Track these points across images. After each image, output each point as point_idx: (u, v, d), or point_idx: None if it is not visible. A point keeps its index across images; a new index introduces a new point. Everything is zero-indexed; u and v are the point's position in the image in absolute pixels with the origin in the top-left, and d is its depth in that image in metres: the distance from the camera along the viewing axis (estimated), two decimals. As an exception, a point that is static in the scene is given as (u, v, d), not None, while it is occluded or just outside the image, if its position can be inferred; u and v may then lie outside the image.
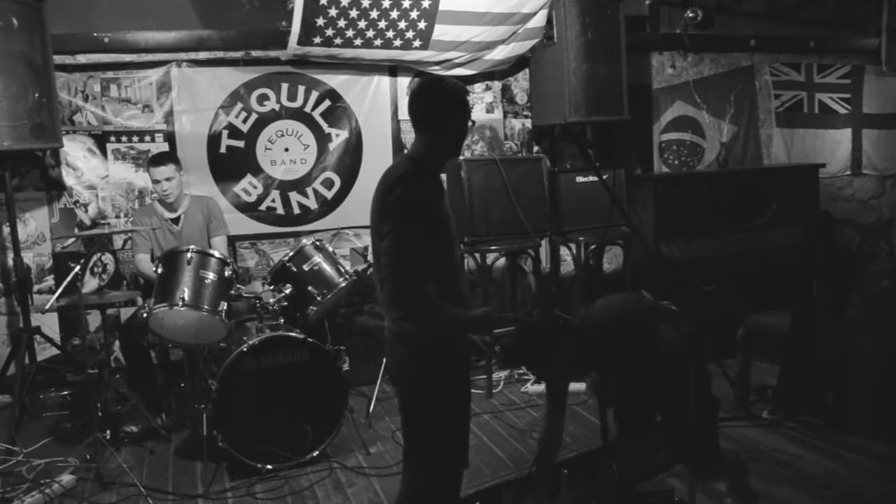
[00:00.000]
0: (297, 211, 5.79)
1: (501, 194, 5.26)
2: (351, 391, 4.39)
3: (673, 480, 3.73)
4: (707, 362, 3.81)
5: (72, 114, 5.28)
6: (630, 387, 3.41)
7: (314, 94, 5.73)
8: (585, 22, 5.62)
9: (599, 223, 5.37)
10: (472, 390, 5.14)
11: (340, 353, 4.41)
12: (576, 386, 5.13)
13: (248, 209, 5.67)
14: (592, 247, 6.04)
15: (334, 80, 5.77)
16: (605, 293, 5.92)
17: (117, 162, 5.40)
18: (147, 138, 5.42)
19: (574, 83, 5.60)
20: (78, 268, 4.13)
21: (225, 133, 5.57)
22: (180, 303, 4.05)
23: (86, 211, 5.37)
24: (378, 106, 5.88)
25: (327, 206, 5.83)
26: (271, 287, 4.43)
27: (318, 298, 4.39)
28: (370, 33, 5.39)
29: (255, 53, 5.56)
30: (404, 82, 5.91)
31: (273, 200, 5.73)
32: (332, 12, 5.21)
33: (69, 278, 4.16)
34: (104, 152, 5.37)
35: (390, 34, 5.44)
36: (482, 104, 6.19)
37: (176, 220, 4.96)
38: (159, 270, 4.23)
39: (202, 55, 5.48)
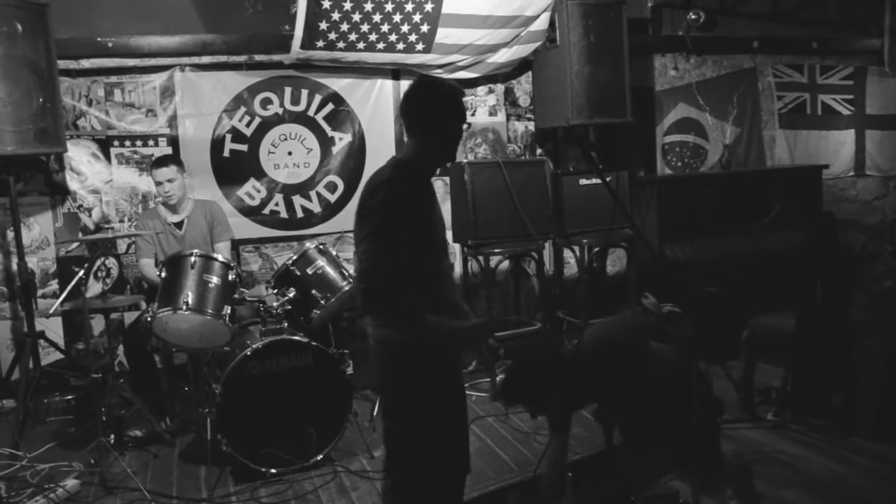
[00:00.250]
0: (300, 215, 5.79)
1: (505, 197, 5.26)
2: (355, 395, 4.38)
3: (677, 483, 3.73)
4: (708, 366, 3.81)
5: (76, 118, 5.29)
6: (630, 409, 3.40)
7: (317, 98, 5.74)
8: (588, 24, 5.62)
9: (603, 225, 5.36)
10: (476, 393, 5.19)
11: (344, 357, 4.40)
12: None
13: (251, 213, 5.68)
14: (596, 249, 6.04)
15: (337, 84, 5.78)
16: (609, 295, 5.97)
17: (121, 166, 5.41)
18: (151, 142, 5.44)
19: (577, 86, 5.60)
20: (82, 272, 4.14)
21: (228, 137, 5.58)
22: (184, 307, 4.05)
23: (89, 215, 5.37)
24: (381, 109, 5.88)
25: (331, 210, 5.83)
26: (275, 291, 4.43)
27: (322, 302, 4.39)
28: (373, 37, 5.40)
29: (258, 57, 5.57)
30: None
31: (276, 204, 5.73)
32: (335, 16, 5.22)
33: (73, 283, 4.18)
34: (108, 157, 5.38)
35: (393, 38, 5.44)
36: (485, 107, 6.20)
37: (179, 225, 4.97)
38: (163, 275, 4.23)
39: (205, 59, 5.49)
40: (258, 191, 5.68)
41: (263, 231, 5.72)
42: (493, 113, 6.23)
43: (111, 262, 5.44)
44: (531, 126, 6.31)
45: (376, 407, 4.83)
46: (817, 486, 3.76)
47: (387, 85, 5.88)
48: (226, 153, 5.58)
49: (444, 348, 2.63)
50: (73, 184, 5.33)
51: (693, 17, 6.58)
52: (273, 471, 4.01)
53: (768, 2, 7.05)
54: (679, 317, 3.48)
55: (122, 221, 5.42)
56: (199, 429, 4.45)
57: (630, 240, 5.68)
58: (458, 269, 6.08)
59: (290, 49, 5.33)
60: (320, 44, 5.30)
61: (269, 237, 5.75)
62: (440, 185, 6.02)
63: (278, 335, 4.12)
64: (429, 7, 5.39)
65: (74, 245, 5.33)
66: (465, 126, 2.72)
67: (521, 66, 6.14)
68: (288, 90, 5.67)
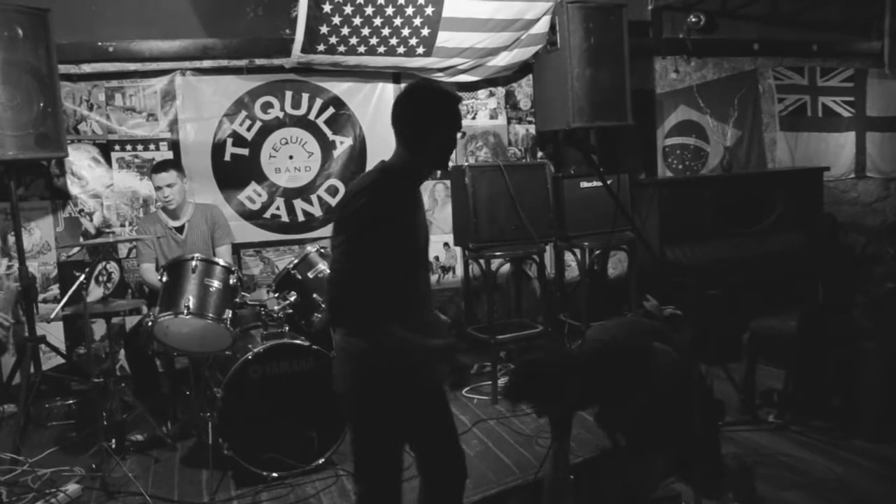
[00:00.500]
0: (301, 218, 5.80)
1: (506, 200, 5.27)
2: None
3: (679, 485, 3.72)
4: (710, 368, 3.80)
5: (76, 123, 5.30)
6: (633, 413, 3.39)
7: (318, 102, 5.74)
8: (588, 27, 5.63)
9: (604, 228, 5.37)
10: (478, 396, 5.19)
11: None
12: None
13: (252, 217, 5.68)
14: (597, 252, 6.04)
15: (338, 88, 5.78)
16: (610, 298, 5.97)
17: (122, 171, 5.41)
18: (152, 147, 5.44)
19: (577, 89, 5.60)
20: (83, 276, 4.13)
21: (229, 141, 5.58)
22: (185, 311, 4.06)
23: (91, 220, 5.38)
24: (382, 113, 5.88)
25: (332, 214, 5.83)
26: (276, 295, 4.43)
27: (323, 306, 4.39)
28: (374, 40, 5.40)
29: (258, 61, 5.57)
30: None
31: (277, 208, 5.74)
32: (336, 20, 5.23)
33: (74, 287, 4.17)
34: (109, 161, 5.39)
35: (394, 41, 5.45)
36: (486, 110, 6.20)
37: (180, 229, 4.97)
38: (164, 279, 4.24)
39: (206, 64, 5.50)
40: (259, 195, 5.69)
41: (265, 235, 5.73)
42: (493, 116, 6.23)
43: (112, 266, 5.44)
44: (532, 129, 6.32)
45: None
46: (819, 488, 3.75)
47: (388, 88, 5.88)
48: (227, 157, 5.59)
49: (407, 362, 2.54)
50: (74, 188, 5.33)
51: (693, 19, 6.59)
52: (275, 474, 4.01)
53: (768, 4, 7.06)
54: (680, 319, 3.47)
55: (123, 226, 5.42)
56: (201, 433, 4.46)
57: (631, 242, 5.68)
58: (459, 272, 6.10)
59: (291, 53, 5.33)
60: (321, 48, 5.31)
61: (270, 241, 5.75)
62: (441, 189, 6.03)
63: (279, 339, 4.12)
64: (429, 11, 5.40)
65: (75, 249, 5.33)
66: (459, 135, 2.60)
67: (521, 70, 6.14)
68: (289, 94, 5.68)
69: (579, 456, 4.16)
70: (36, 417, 5.01)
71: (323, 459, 4.12)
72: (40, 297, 5.28)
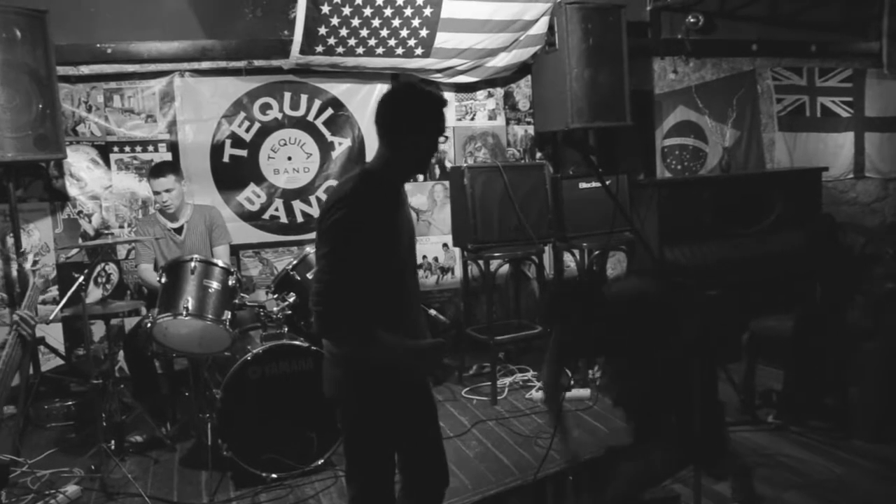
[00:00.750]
0: (300, 219, 5.79)
1: (504, 201, 5.27)
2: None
3: (678, 486, 3.72)
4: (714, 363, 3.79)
5: (75, 124, 5.29)
6: (648, 371, 3.36)
7: (317, 103, 5.74)
8: (587, 28, 5.63)
9: (603, 229, 5.37)
10: (477, 397, 5.18)
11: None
12: (579, 392, 5.13)
13: (251, 218, 5.68)
14: (596, 253, 6.03)
15: (337, 89, 5.78)
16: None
17: (121, 172, 5.41)
18: (150, 148, 5.44)
19: (576, 89, 5.61)
20: (82, 278, 4.13)
21: (228, 142, 5.58)
22: (184, 312, 4.06)
23: (89, 221, 5.37)
24: (381, 114, 5.87)
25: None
26: (275, 296, 4.43)
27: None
28: (372, 41, 5.40)
29: (257, 63, 5.57)
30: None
31: (276, 209, 5.74)
32: (335, 21, 5.23)
33: (73, 288, 4.16)
34: (107, 162, 5.38)
35: (392, 42, 5.45)
36: (484, 111, 6.20)
37: (179, 230, 4.97)
38: (163, 280, 4.24)
39: (205, 65, 5.49)
40: (258, 196, 5.69)
41: (263, 236, 5.73)
42: (492, 117, 6.23)
43: (111, 267, 5.44)
44: (531, 130, 6.32)
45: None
46: (818, 488, 3.76)
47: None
48: (225, 158, 5.59)
49: (396, 366, 2.53)
50: (72, 190, 5.33)
51: (692, 20, 6.59)
52: (274, 475, 4.01)
53: (767, 5, 7.06)
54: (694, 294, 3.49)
55: (121, 227, 5.42)
56: (200, 434, 4.46)
57: (630, 243, 5.68)
58: (458, 273, 6.10)
59: (290, 54, 5.33)
60: (319, 49, 5.31)
61: (269, 242, 5.75)
62: (440, 189, 6.03)
63: (278, 340, 4.12)
64: (427, 12, 5.40)
65: (74, 251, 5.33)
66: (442, 138, 2.59)
67: (520, 70, 6.15)
68: (287, 95, 5.68)
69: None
70: (35, 419, 5.01)
71: (322, 460, 4.12)
72: (39, 298, 5.27)
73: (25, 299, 3.87)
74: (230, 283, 4.30)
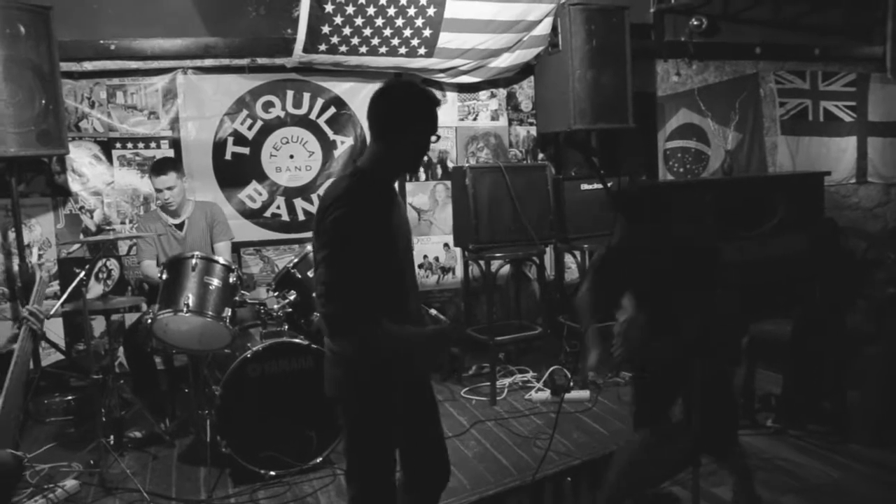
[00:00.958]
0: (301, 217, 5.80)
1: (506, 201, 5.27)
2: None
3: (677, 489, 3.72)
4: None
5: (78, 120, 5.30)
6: (676, 340, 3.28)
7: (319, 102, 5.75)
8: (590, 30, 5.63)
9: (604, 231, 5.36)
10: (476, 397, 5.18)
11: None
12: (579, 394, 5.13)
13: (252, 216, 5.69)
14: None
15: (339, 88, 5.79)
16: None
17: (123, 168, 5.42)
18: (153, 145, 5.44)
19: (579, 91, 5.61)
20: (83, 273, 4.14)
21: (230, 140, 5.59)
22: (185, 309, 4.06)
23: (91, 217, 5.38)
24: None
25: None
26: (276, 293, 4.43)
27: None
28: (375, 41, 5.41)
29: (260, 61, 5.58)
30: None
31: (278, 207, 5.74)
32: (338, 20, 5.24)
33: (74, 284, 4.16)
34: (110, 159, 5.39)
35: (395, 42, 5.45)
36: (487, 111, 6.20)
37: (180, 226, 4.98)
38: (164, 276, 4.24)
39: (208, 62, 5.50)
40: (260, 193, 5.69)
41: (264, 234, 5.73)
42: (495, 117, 6.24)
43: (112, 263, 5.45)
44: (533, 131, 6.32)
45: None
46: (815, 492, 3.76)
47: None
48: (227, 156, 5.59)
49: (407, 357, 2.56)
50: (74, 185, 5.34)
51: (695, 22, 6.59)
52: (272, 473, 4.01)
53: (771, 8, 7.05)
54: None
55: (123, 223, 5.43)
56: (199, 430, 4.46)
57: (631, 245, 5.67)
58: (458, 273, 6.10)
59: (293, 52, 5.34)
60: (322, 47, 5.32)
61: (270, 240, 5.75)
62: (441, 190, 6.03)
63: (278, 338, 4.13)
64: (431, 11, 5.41)
65: (76, 246, 5.34)
66: (434, 138, 2.55)
67: (523, 71, 6.15)
68: (290, 93, 5.68)
69: (577, 458, 4.17)
70: (34, 413, 5.01)
71: (321, 458, 4.12)
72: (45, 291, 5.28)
73: (33, 294, 3.89)
74: (231, 280, 4.30)
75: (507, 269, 6.13)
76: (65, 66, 5.02)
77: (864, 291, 4.66)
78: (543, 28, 5.74)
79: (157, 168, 4.88)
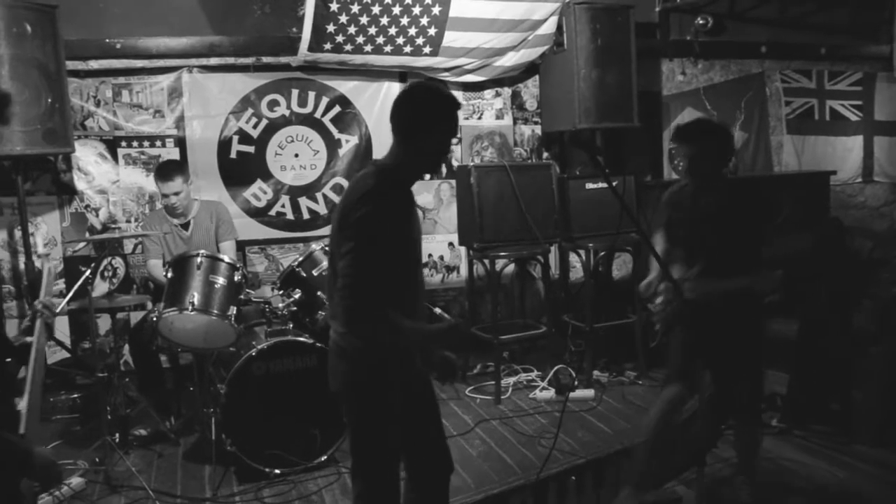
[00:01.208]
0: (306, 216, 5.80)
1: (511, 200, 5.27)
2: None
3: (681, 488, 3.72)
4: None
5: (83, 119, 5.31)
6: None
7: (324, 100, 5.75)
8: (595, 28, 5.62)
9: (609, 230, 5.36)
10: (480, 396, 5.18)
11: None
12: (584, 393, 5.13)
13: (257, 214, 5.69)
14: (602, 253, 6.02)
15: (344, 86, 5.79)
16: (615, 300, 5.95)
17: (128, 167, 5.43)
18: (158, 143, 5.45)
19: (584, 90, 5.60)
20: (88, 271, 4.15)
21: (235, 138, 5.59)
22: (190, 307, 4.07)
23: (97, 215, 5.39)
24: (388, 112, 5.72)
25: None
26: (280, 292, 4.44)
27: (327, 304, 4.39)
28: (380, 39, 5.41)
29: (265, 59, 5.58)
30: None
31: (283, 206, 5.75)
32: (343, 19, 5.24)
33: (80, 282, 4.18)
34: (115, 157, 5.40)
35: (400, 40, 5.45)
36: (492, 110, 6.20)
37: (185, 226, 4.98)
38: (169, 275, 4.25)
39: (213, 61, 5.51)
40: (264, 192, 5.70)
41: (269, 232, 5.74)
42: (499, 116, 6.23)
43: (118, 261, 5.46)
44: (538, 130, 6.32)
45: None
46: (820, 493, 3.76)
47: (394, 87, 5.88)
48: (233, 154, 5.60)
49: (402, 354, 2.61)
50: (80, 184, 5.35)
51: (701, 21, 6.57)
52: (277, 471, 4.03)
53: (777, 7, 7.03)
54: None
55: (128, 222, 5.44)
56: (204, 428, 4.47)
57: (636, 244, 5.68)
58: (463, 272, 6.10)
59: (298, 51, 5.34)
60: (328, 46, 5.32)
61: (274, 238, 5.76)
62: (446, 188, 6.03)
63: (283, 336, 4.13)
64: (436, 10, 5.40)
65: (81, 245, 5.35)
66: (455, 140, 2.64)
67: (528, 70, 6.14)
68: (295, 92, 5.69)
69: (582, 458, 4.17)
70: (40, 411, 5.02)
71: (325, 457, 4.13)
72: (54, 283, 5.30)
73: (43, 286, 3.90)
74: (236, 278, 4.31)
75: (511, 267, 6.12)
76: (71, 64, 5.04)
77: (869, 291, 4.65)
78: (548, 27, 5.73)
79: (163, 174, 4.79)
